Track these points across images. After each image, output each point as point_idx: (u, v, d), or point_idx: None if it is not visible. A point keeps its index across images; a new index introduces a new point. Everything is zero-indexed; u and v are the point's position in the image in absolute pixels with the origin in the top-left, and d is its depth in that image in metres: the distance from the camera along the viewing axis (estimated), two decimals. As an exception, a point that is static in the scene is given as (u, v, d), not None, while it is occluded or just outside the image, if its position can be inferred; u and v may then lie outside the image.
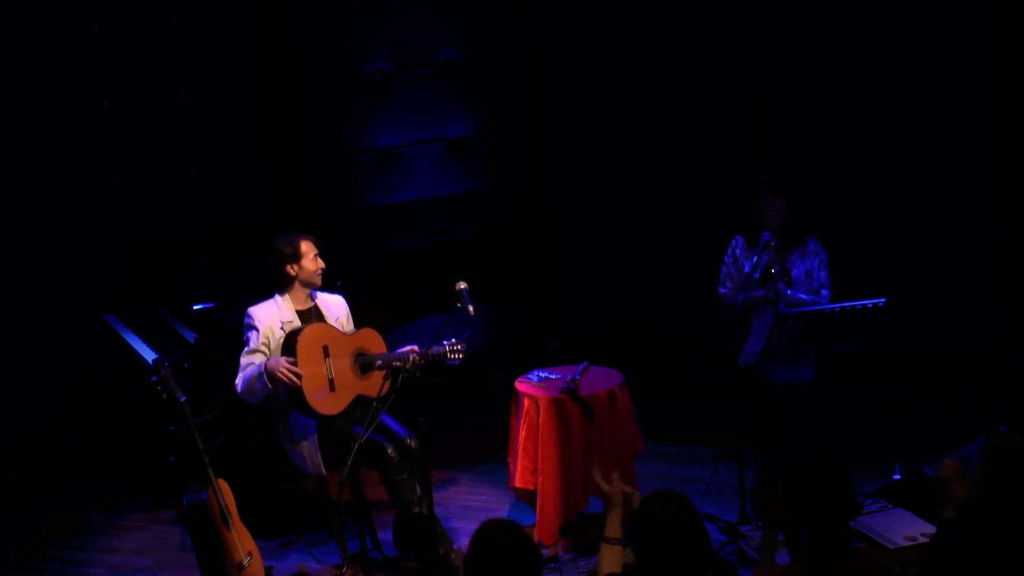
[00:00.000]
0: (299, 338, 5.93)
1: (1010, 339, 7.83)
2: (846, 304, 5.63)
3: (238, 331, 6.14)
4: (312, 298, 6.17)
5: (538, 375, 6.26)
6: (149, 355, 6.73)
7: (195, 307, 6.79)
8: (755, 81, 8.27)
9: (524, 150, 8.78)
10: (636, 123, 8.58)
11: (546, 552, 5.90)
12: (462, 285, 5.91)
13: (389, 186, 8.52)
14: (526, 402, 6.03)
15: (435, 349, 6.00)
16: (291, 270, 6.05)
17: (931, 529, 5.55)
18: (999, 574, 4.01)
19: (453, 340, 6.07)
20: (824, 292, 6.34)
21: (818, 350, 5.77)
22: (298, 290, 6.10)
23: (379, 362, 6.04)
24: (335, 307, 6.23)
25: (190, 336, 6.88)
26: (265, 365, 5.88)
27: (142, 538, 6.74)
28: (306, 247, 6.06)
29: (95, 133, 7.81)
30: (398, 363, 5.91)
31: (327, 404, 5.93)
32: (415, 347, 6.01)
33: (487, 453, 7.14)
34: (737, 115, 8.33)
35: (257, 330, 5.98)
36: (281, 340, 5.98)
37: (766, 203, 6.26)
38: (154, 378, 5.63)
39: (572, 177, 8.77)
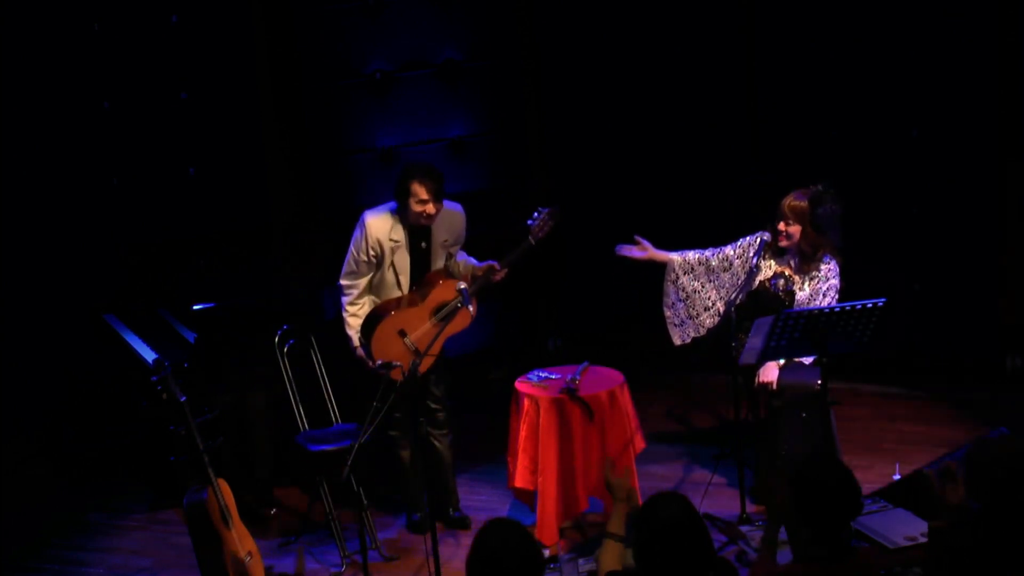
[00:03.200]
0: (372, 345, 6.01)
1: (1010, 339, 7.84)
2: (846, 304, 5.62)
3: (235, 332, 6.12)
4: None
5: (538, 375, 6.25)
6: (149, 355, 6.73)
7: (195, 307, 6.79)
8: (755, 81, 8.27)
9: (524, 150, 8.77)
10: (636, 123, 8.58)
11: (546, 552, 5.89)
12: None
13: (389, 186, 8.49)
14: (526, 402, 6.03)
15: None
16: (401, 201, 6.06)
17: (931, 529, 5.57)
18: (1000, 575, 4.01)
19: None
20: None
21: (818, 350, 5.77)
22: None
23: (458, 301, 6.00)
24: (445, 228, 6.16)
25: (190, 336, 6.88)
26: (356, 351, 6.03)
27: (142, 538, 6.74)
28: (415, 189, 6.01)
29: (95, 133, 7.80)
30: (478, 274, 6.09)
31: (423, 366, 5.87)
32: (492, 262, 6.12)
33: (487, 453, 7.13)
34: (737, 115, 8.33)
35: (368, 239, 6.03)
36: (391, 251, 6.04)
37: (782, 226, 6.19)
38: (154, 378, 5.62)
39: (572, 177, 8.76)
